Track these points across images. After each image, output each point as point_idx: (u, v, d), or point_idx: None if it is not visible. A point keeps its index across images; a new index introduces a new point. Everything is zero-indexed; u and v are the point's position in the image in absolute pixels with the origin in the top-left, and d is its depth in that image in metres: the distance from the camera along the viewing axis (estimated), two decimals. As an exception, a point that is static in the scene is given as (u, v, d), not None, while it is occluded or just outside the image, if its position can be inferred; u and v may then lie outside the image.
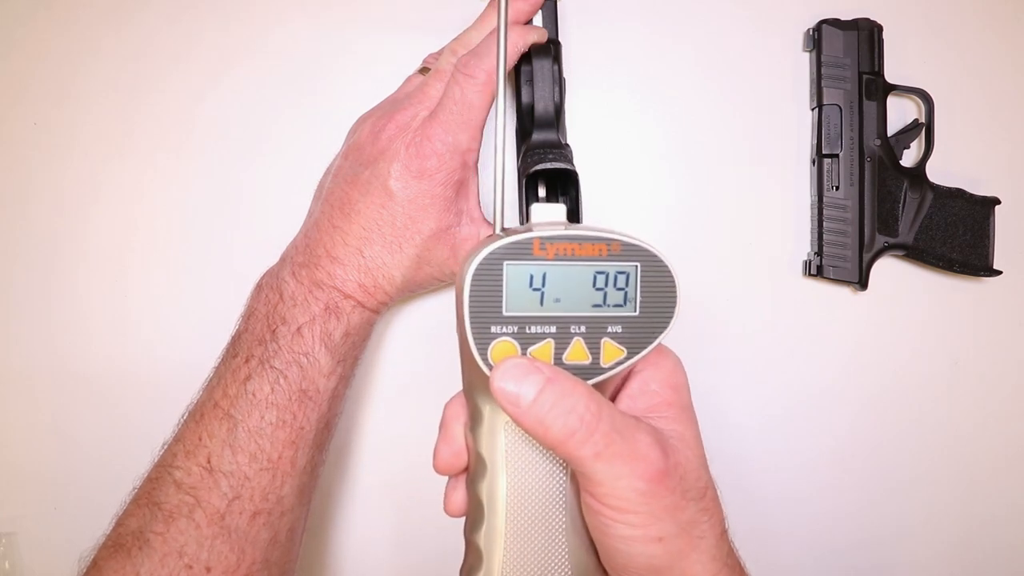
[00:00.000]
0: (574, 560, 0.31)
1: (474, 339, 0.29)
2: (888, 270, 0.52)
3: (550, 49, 0.43)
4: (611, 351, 0.30)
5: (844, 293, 0.52)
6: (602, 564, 0.32)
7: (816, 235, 0.51)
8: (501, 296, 0.29)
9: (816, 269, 0.51)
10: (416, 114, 0.42)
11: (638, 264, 0.30)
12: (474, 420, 0.31)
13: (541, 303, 0.29)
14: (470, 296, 0.29)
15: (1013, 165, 0.52)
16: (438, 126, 0.41)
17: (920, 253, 0.50)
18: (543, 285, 0.29)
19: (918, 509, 0.53)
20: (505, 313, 0.29)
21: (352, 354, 0.44)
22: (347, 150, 0.45)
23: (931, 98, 0.51)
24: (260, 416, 0.40)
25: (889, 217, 0.50)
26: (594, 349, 0.30)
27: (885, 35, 0.51)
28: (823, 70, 0.50)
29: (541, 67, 0.43)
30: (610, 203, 0.52)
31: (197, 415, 0.41)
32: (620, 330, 0.30)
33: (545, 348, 0.30)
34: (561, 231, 0.29)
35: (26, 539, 0.51)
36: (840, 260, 0.50)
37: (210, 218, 0.51)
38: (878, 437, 0.53)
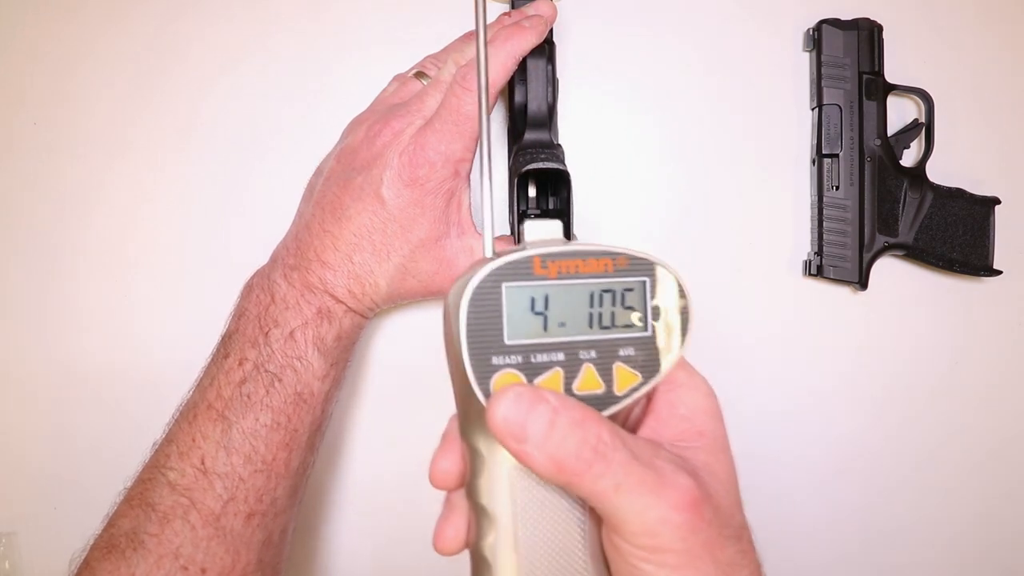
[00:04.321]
0: None
1: (474, 373, 0.25)
2: (888, 270, 0.52)
3: (544, 49, 0.43)
4: (625, 377, 0.27)
5: (844, 293, 0.52)
6: None
7: (816, 235, 0.51)
8: (501, 323, 0.26)
9: (816, 269, 0.50)
10: (412, 122, 0.42)
11: (646, 279, 0.27)
12: (474, 469, 0.27)
13: (545, 328, 0.26)
14: (467, 324, 0.25)
15: (1013, 165, 0.52)
16: (433, 135, 0.41)
17: (920, 253, 0.50)
18: (546, 308, 0.26)
19: (918, 508, 0.53)
20: (507, 342, 0.26)
21: (344, 357, 0.44)
22: (340, 153, 0.45)
23: (931, 98, 0.51)
24: (255, 418, 0.40)
25: (889, 217, 0.50)
26: (606, 376, 0.27)
27: (885, 35, 0.50)
28: (823, 70, 0.50)
29: (535, 67, 0.43)
30: (609, 204, 0.52)
31: (190, 416, 0.41)
32: (633, 353, 0.27)
33: (554, 378, 0.26)
34: (563, 248, 0.26)
35: (26, 539, 0.51)
36: (840, 260, 0.50)
37: (210, 218, 0.51)
38: (878, 437, 0.53)
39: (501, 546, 0.26)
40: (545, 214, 0.46)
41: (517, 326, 0.26)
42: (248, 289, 0.44)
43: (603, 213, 0.51)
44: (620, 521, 0.25)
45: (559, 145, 0.45)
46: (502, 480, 0.27)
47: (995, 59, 0.52)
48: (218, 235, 0.51)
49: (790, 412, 0.52)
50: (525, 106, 0.43)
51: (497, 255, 0.27)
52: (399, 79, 0.47)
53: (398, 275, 0.43)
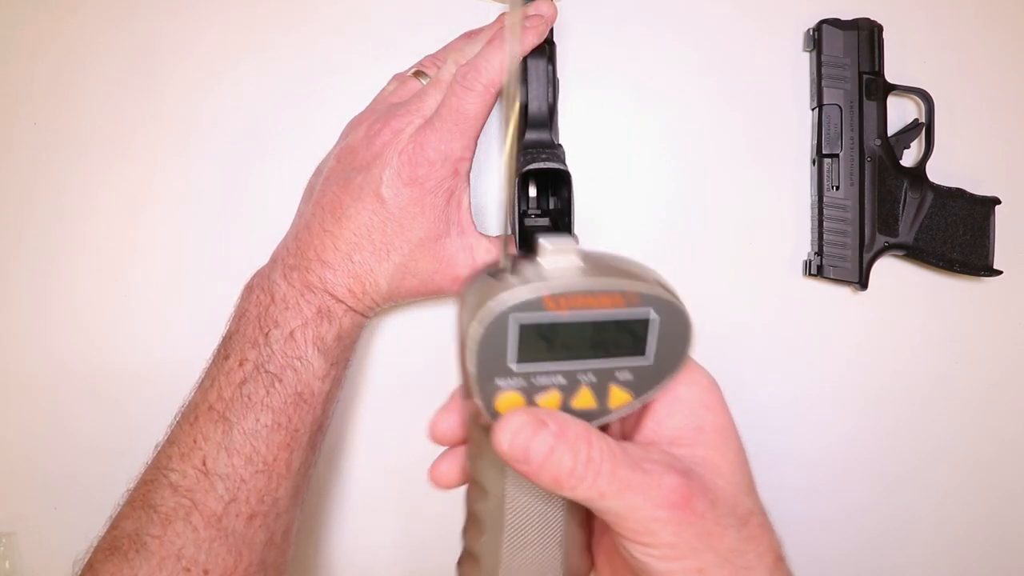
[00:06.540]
0: (568, 565, 0.31)
1: (480, 392, 0.27)
2: (888, 270, 0.52)
3: (545, 49, 0.43)
4: (618, 396, 0.28)
5: (844, 293, 0.52)
6: None
7: (816, 235, 0.51)
8: (508, 350, 0.27)
9: (816, 269, 0.51)
10: (411, 122, 0.42)
11: (653, 311, 0.27)
12: (475, 452, 0.30)
13: (550, 352, 0.27)
14: (477, 352, 0.26)
15: (1013, 165, 0.52)
16: (432, 134, 0.41)
17: (920, 253, 0.50)
18: (554, 336, 0.27)
19: (918, 508, 0.53)
20: (512, 366, 0.27)
21: (344, 356, 0.44)
22: (339, 152, 0.45)
23: (931, 98, 0.51)
24: (255, 419, 0.40)
25: (889, 217, 0.50)
26: (601, 395, 0.28)
27: (885, 35, 0.50)
28: (823, 70, 0.50)
29: (536, 67, 0.43)
30: (610, 204, 0.52)
31: (191, 417, 0.41)
32: (630, 377, 0.28)
33: (552, 398, 0.28)
34: (575, 283, 0.26)
35: (26, 539, 0.51)
36: (840, 260, 0.50)
37: (210, 218, 0.51)
38: (878, 437, 0.53)
39: (492, 512, 0.30)
40: (546, 214, 0.46)
41: (523, 353, 0.27)
42: (248, 290, 0.44)
43: (603, 213, 0.51)
44: (616, 520, 0.27)
45: (560, 145, 0.45)
46: (498, 465, 0.29)
47: (995, 59, 0.52)
48: (218, 235, 0.51)
49: (789, 412, 0.53)
50: (526, 106, 0.43)
51: (511, 261, 0.27)
52: (398, 78, 0.48)
53: (398, 274, 0.43)
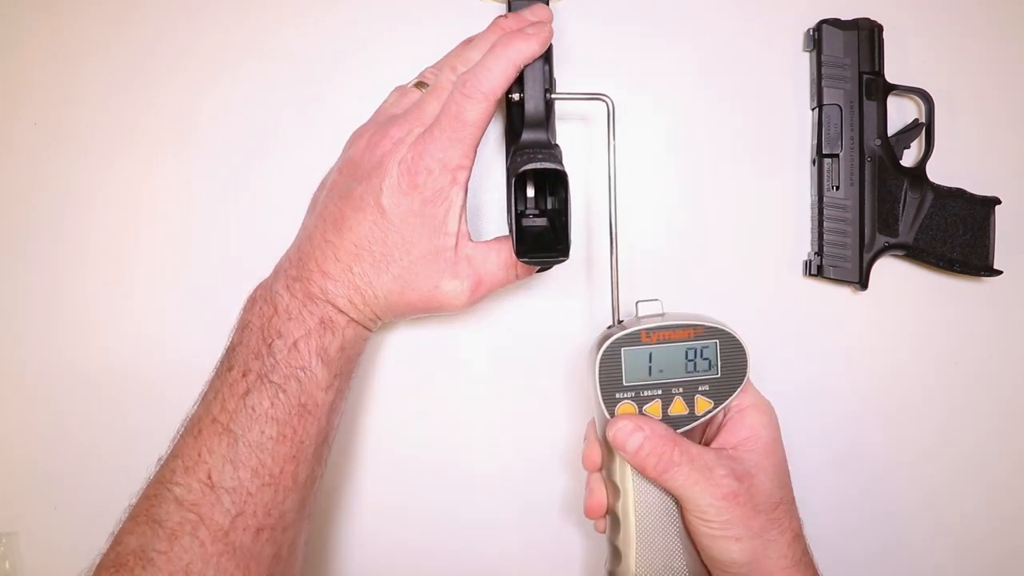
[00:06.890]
0: (686, 556, 0.42)
1: (604, 403, 0.41)
2: (888, 270, 0.52)
3: None
4: (702, 403, 0.42)
5: (844, 293, 0.52)
6: (703, 560, 0.42)
7: (816, 235, 0.51)
8: (621, 372, 0.41)
9: (816, 269, 0.51)
10: (411, 130, 0.42)
11: (717, 341, 0.41)
12: (608, 459, 0.43)
13: (650, 374, 0.41)
14: (599, 372, 0.41)
15: (1013, 165, 0.52)
16: (431, 143, 0.41)
17: (920, 253, 0.50)
18: (650, 361, 0.41)
19: (917, 508, 0.53)
20: (624, 383, 0.41)
21: (348, 367, 0.44)
22: (342, 165, 0.45)
23: (931, 98, 0.51)
24: (260, 431, 0.39)
25: (889, 217, 0.50)
26: (689, 403, 0.42)
27: (885, 35, 0.50)
28: (823, 70, 0.50)
29: (532, 67, 0.43)
30: (609, 204, 0.52)
31: (195, 430, 0.40)
32: (708, 388, 0.42)
33: (655, 406, 0.42)
34: (660, 322, 0.41)
35: (26, 539, 0.51)
36: (840, 260, 0.50)
37: (212, 219, 0.51)
38: (877, 437, 0.53)
39: (624, 507, 0.42)
40: (543, 214, 0.46)
41: (631, 373, 0.41)
42: (251, 301, 0.43)
43: (602, 213, 0.51)
44: (685, 500, 0.41)
45: (557, 145, 0.45)
46: (624, 466, 0.42)
47: (995, 59, 0.52)
48: (218, 234, 0.51)
49: (789, 412, 0.52)
50: (522, 106, 0.43)
51: (620, 325, 0.42)
52: (400, 90, 0.47)
53: (396, 287, 0.43)
